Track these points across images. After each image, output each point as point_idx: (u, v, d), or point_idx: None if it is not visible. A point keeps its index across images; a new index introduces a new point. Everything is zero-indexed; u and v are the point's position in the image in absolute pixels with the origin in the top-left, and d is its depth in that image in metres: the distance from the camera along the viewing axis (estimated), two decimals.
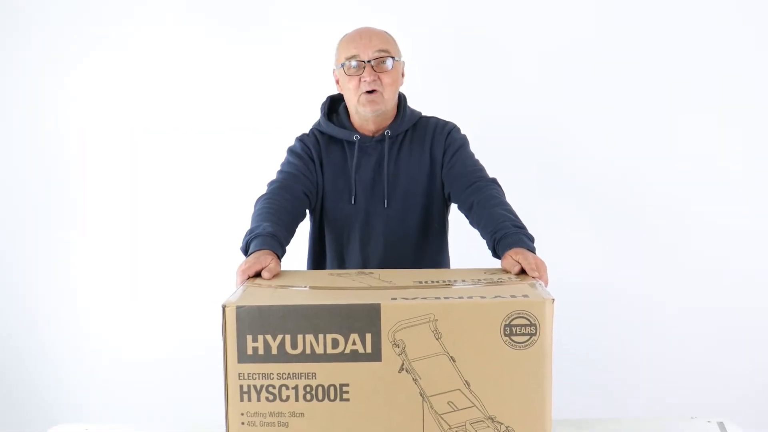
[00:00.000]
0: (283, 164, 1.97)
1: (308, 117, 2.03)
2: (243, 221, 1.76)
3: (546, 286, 1.51)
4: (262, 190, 1.88)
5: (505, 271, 1.60)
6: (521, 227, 1.71)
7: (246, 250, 1.66)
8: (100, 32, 2.76)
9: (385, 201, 1.92)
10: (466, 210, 1.88)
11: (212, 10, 2.74)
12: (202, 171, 2.79)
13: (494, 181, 1.90)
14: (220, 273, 1.99)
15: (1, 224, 2.79)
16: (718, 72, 2.66)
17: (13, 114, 2.80)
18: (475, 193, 1.84)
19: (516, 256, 1.59)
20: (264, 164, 2.05)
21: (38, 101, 2.80)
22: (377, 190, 1.93)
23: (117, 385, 2.80)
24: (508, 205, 1.80)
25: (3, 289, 2.84)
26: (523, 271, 1.55)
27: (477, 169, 1.93)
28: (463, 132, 2.01)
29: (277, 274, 1.56)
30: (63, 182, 2.81)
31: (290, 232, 1.79)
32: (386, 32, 1.92)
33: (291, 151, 1.98)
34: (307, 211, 1.96)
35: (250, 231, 1.69)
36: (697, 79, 2.67)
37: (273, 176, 1.93)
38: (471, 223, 1.87)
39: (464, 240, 2.08)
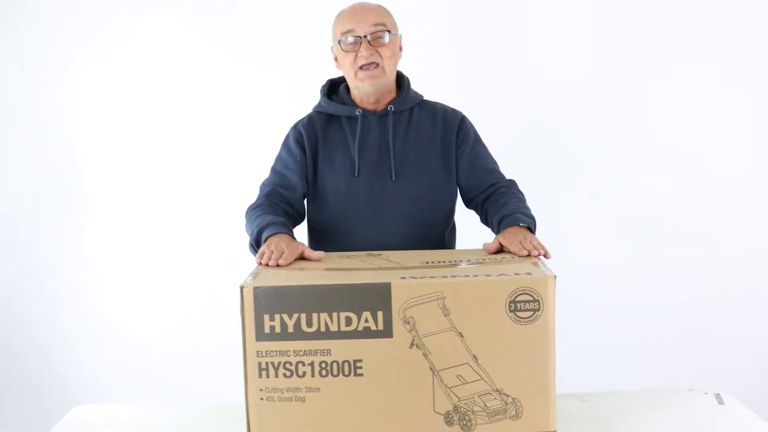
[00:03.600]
0: (275, 161, 1.97)
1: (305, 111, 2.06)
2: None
3: (548, 258, 1.59)
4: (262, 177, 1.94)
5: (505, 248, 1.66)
6: (530, 216, 1.79)
7: (257, 242, 1.71)
8: (100, 30, 2.79)
9: (393, 174, 1.89)
10: (476, 206, 1.95)
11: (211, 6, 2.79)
12: (213, 158, 2.82)
13: (513, 183, 1.94)
14: (236, 254, 2.04)
15: (17, 210, 2.82)
16: (730, 73, 2.72)
17: (21, 109, 2.84)
18: (491, 198, 1.89)
19: (518, 234, 1.66)
20: (265, 150, 2.09)
21: (44, 97, 2.84)
22: (383, 163, 1.89)
23: (135, 367, 2.85)
24: (524, 201, 1.87)
25: (21, 275, 2.89)
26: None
27: (496, 170, 1.96)
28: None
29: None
30: (77, 171, 2.86)
31: (292, 229, 1.83)
32: (382, 6, 1.90)
33: (284, 144, 1.97)
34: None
35: (257, 225, 1.73)
36: (708, 79, 2.73)
37: (266, 175, 1.95)
38: (481, 219, 1.94)
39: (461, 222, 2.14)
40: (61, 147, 2.86)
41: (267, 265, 1.56)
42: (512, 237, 1.66)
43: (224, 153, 2.83)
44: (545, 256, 1.60)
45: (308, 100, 2.06)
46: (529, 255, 1.58)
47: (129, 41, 2.80)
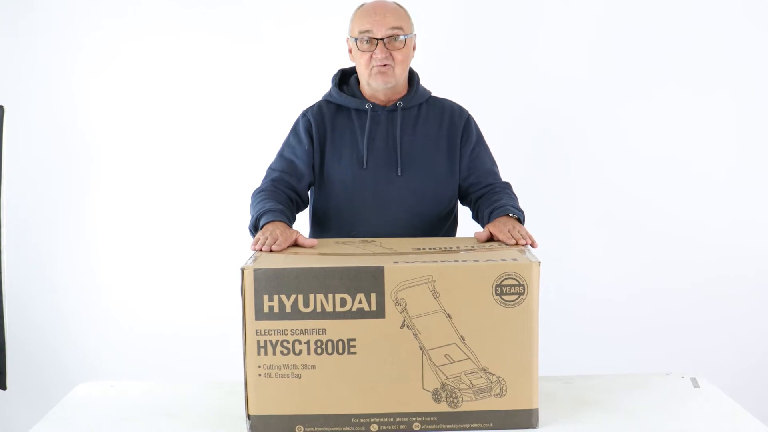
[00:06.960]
0: (283, 146, 2.01)
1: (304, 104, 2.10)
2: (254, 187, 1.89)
3: (535, 247, 1.66)
4: (266, 165, 1.98)
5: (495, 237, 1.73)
6: (519, 209, 1.86)
7: (255, 226, 1.77)
8: (113, 20, 2.85)
9: (399, 168, 1.94)
10: (470, 203, 2.01)
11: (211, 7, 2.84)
12: (212, 153, 2.88)
13: (508, 185, 2.00)
14: (233, 238, 2.10)
15: (20, 193, 2.84)
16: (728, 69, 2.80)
17: (29, 104, 2.88)
18: (485, 195, 1.95)
19: (507, 224, 1.74)
20: (262, 144, 2.14)
21: (54, 91, 2.90)
22: (390, 157, 1.95)
23: (134, 348, 2.91)
24: (515, 200, 1.93)
25: (22, 258, 2.93)
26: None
27: (494, 172, 2.01)
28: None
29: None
30: (80, 157, 2.91)
31: (293, 216, 1.90)
32: (400, 6, 1.95)
33: (292, 130, 2.02)
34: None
35: (257, 210, 1.79)
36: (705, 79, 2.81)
37: (265, 166, 2.00)
38: (473, 215, 2.00)
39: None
40: (68, 139, 2.90)
41: (260, 250, 1.62)
42: (501, 226, 1.73)
43: (222, 148, 2.88)
44: (532, 245, 1.67)
45: (309, 92, 2.11)
46: (516, 243, 1.66)
47: (138, 36, 2.85)
